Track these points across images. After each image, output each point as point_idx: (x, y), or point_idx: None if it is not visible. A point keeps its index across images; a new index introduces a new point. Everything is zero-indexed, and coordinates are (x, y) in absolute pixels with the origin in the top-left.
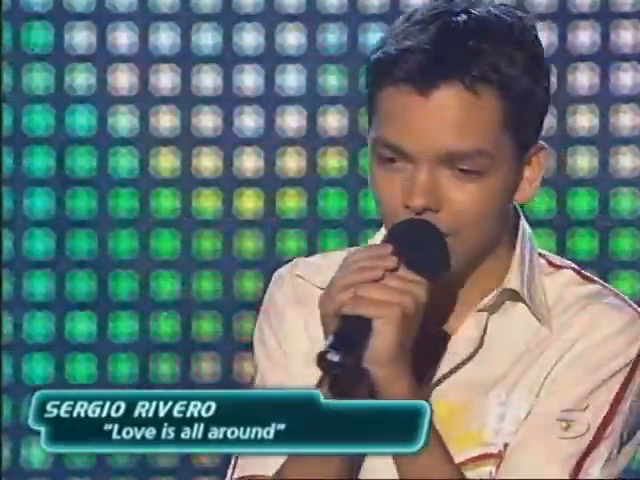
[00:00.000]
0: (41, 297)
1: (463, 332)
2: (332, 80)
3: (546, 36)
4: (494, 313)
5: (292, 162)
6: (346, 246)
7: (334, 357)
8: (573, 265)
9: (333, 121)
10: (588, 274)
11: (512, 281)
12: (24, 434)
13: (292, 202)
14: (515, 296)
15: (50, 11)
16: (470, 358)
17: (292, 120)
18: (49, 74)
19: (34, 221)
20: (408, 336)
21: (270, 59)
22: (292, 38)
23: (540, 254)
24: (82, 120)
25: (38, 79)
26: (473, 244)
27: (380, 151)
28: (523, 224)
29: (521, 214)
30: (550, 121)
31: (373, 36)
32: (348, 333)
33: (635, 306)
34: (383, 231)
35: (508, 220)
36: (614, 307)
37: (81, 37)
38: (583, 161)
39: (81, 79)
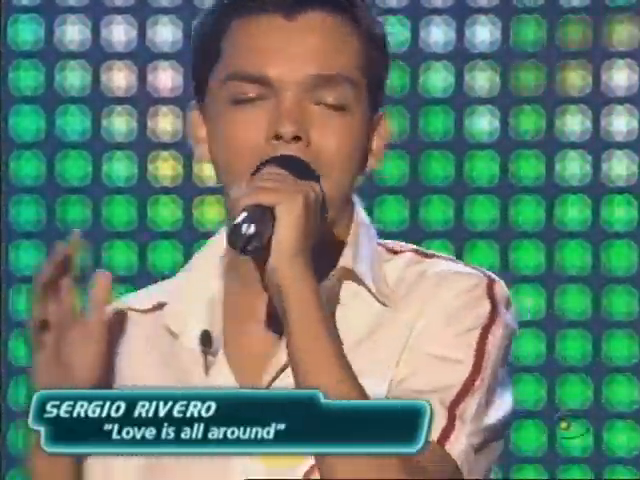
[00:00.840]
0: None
1: None
2: None
3: (443, 32)
4: (333, 296)
5: None
6: None
7: (249, 229)
8: (414, 247)
9: None
10: (429, 251)
11: (346, 260)
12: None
13: None
14: (352, 276)
15: (40, 4)
16: None
17: None
18: (38, 72)
19: (22, 233)
20: (309, 233)
21: None
22: None
23: (379, 243)
24: (75, 122)
25: (27, 78)
26: (339, 193)
27: (235, 90)
28: (358, 209)
29: (357, 199)
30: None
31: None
32: (254, 216)
33: (482, 270)
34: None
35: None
36: (456, 270)
37: (73, 32)
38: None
39: (74, 78)
